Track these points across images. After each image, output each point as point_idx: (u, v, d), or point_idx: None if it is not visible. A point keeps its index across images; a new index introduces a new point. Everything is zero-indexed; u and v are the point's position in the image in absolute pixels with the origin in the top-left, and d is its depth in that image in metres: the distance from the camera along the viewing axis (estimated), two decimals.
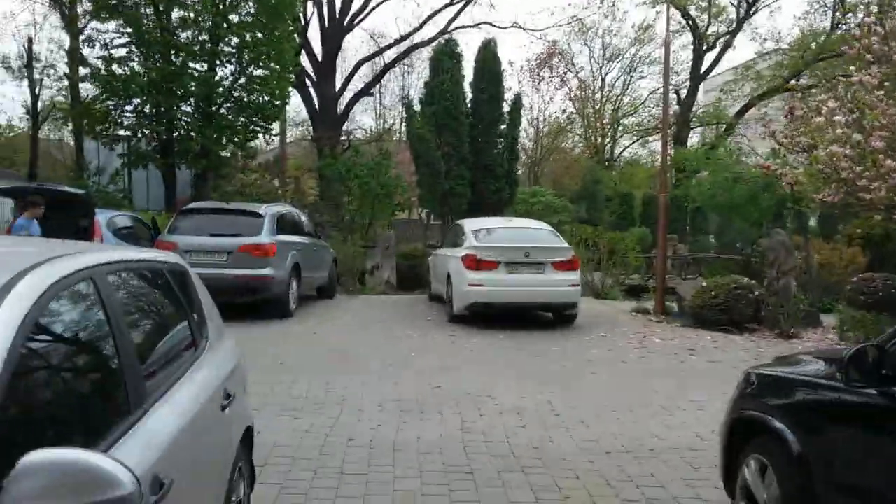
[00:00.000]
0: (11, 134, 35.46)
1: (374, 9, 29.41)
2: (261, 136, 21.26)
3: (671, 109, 38.15)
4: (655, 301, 13.26)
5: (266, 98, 20.14)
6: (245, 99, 19.98)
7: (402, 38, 30.08)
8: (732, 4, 31.18)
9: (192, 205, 12.72)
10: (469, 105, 17.83)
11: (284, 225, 12.11)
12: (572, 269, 11.27)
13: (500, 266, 10.98)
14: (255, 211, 11.66)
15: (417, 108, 18.00)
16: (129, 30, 18.63)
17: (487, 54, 17.95)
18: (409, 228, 31.71)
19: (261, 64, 19.96)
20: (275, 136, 21.52)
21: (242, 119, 20.21)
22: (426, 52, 26.26)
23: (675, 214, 30.94)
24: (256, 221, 11.40)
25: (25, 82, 23.59)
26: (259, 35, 19.61)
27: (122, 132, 19.75)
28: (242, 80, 20.01)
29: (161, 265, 3.18)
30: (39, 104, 24.22)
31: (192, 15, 18.98)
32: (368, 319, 11.96)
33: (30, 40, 23.59)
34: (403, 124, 31.64)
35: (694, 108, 34.26)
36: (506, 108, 18.09)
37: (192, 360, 3.09)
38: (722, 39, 32.68)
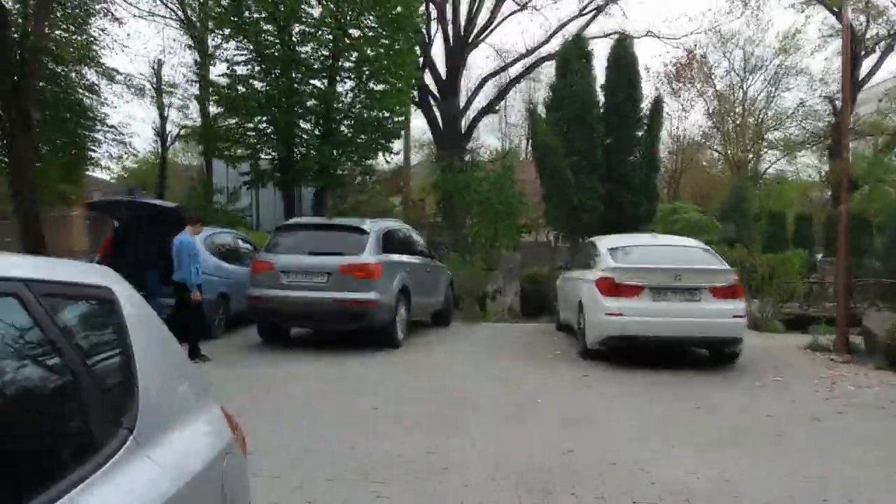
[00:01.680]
0: (155, 160, 36.43)
1: (499, 23, 28.04)
2: (381, 154, 20.05)
3: (825, 121, 34.44)
4: (837, 336, 10.70)
5: (386, 114, 19.04)
6: (365, 115, 18.89)
7: (529, 52, 28.47)
8: (894, 4, 27.50)
9: (291, 220, 11.46)
10: (601, 109, 15.77)
11: (393, 243, 10.58)
12: (735, 296, 9.05)
13: (645, 291, 8.93)
14: (360, 227, 10.16)
15: (543, 114, 16.07)
16: (251, 46, 18.00)
17: (622, 51, 15.77)
18: (535, 251, 29.83)
19: (381, 79, 18.87)
20: (395, 154, 20.28)
21: (363, 137, 19.13)
22: (553, 66, 24.48)
23: (832, 234, 27.44)
24: (360, 239, 9.90)
25: (155, 104, 23.64)
26: (380, 49, 18.56)
27: (242, 151, 19.10)
28: (362, 96, 18.98)
29: (22, 287, 1.53)
30: (168, 125, 24.27)
31: (311, 30, 18.10)
32: (486, 352, 10.18)
33: (159, 63, 23.67)
34: (528, 143, 29.93)
35: (851, 119, 30.49)
36: (643, 111, 15.91)
37: (75, 480, 1.43)
38: (882, 43, 29.03)
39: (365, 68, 18.67)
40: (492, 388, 7.78)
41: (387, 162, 20.42)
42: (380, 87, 18.85)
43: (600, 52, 17.16)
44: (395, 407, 6.80)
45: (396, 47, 18.59)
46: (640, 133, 15.90)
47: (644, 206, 15.68)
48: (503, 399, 7.20)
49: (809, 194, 36.17)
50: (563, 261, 13.71)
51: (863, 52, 28.62)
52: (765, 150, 39.71)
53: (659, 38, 28.14)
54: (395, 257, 10.41)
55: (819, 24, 36.14)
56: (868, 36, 28.21)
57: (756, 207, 29.44)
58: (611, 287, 9.04)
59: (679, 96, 33.72)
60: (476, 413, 6.65)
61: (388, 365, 9.01)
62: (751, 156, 39.97)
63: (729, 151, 39.78)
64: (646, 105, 16.34)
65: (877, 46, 28.78)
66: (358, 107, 18.98)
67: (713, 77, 37.04)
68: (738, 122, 39.55)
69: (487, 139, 46.06)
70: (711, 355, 9.75)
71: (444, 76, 27.57)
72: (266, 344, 10.34)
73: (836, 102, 31.69)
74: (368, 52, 18.50)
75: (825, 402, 7.45)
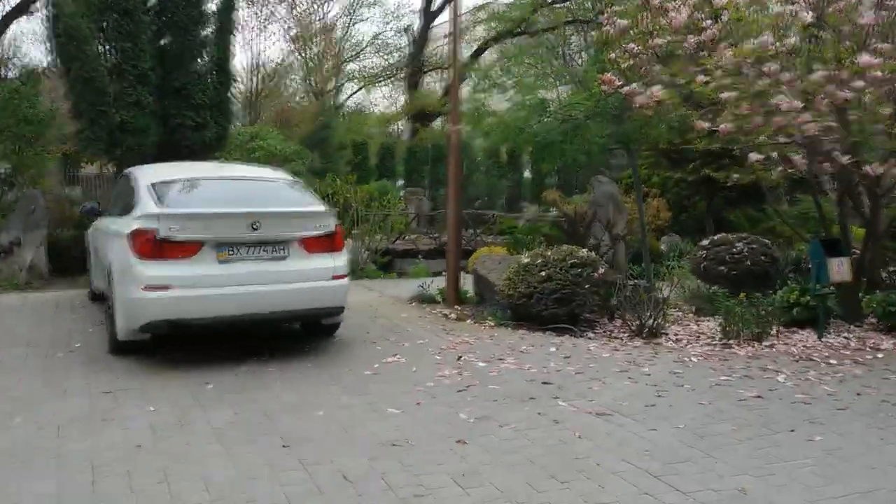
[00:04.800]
0: None
1: None
2: None
3: (401, 53, 34.21)
4: (448, 286, 8.82)
5: None
6: None
7: None
8: None
9: None
10: None
11: None
12: (335, 248, 6.34)
13: (205, 249, 5.73)
14: None
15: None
16: None
17: None
18: (100, 185, 24.34)
19: None
20: None
21: None
22: None
23: (415, 165, 27.15)
24: None
25: None
26: None
27: None
28: None
29: None
30: None
31: None
32: None
33: None
34: None
35: (427, 51, 30.50)
36: (211, 6, 12.16)
37: None
38: None
39: None
40: None
41: None
42: None
43: None
44: None
45: None
46: (206, 33, 12.16)
47: (212, 130, 12.11)
48: None
49: (388, 125, 36.14)
50: (87, 203, 9.67)
51: None
52: (344, 80, 38.68)
53: None
54: None
55: None
56: None
57: (341, 137, 27.96)
58: (152, 245, 5.65)
59: (254, 4, 30.20)
60: None
61: None
62: (332, 85, 38.66)
63: (311, 80, 37.92)
64: None
65: None
66: None
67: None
68: (318, 51, 37.77)
69: (34, 52, 37.30)
70: (304, 327, 7.06)
71: None
72: None
73: (413, 34, 31.48)
74: None
75: (459, 397, 5.16)
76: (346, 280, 6.38)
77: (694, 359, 6.31)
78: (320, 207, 6.49)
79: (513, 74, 10.19)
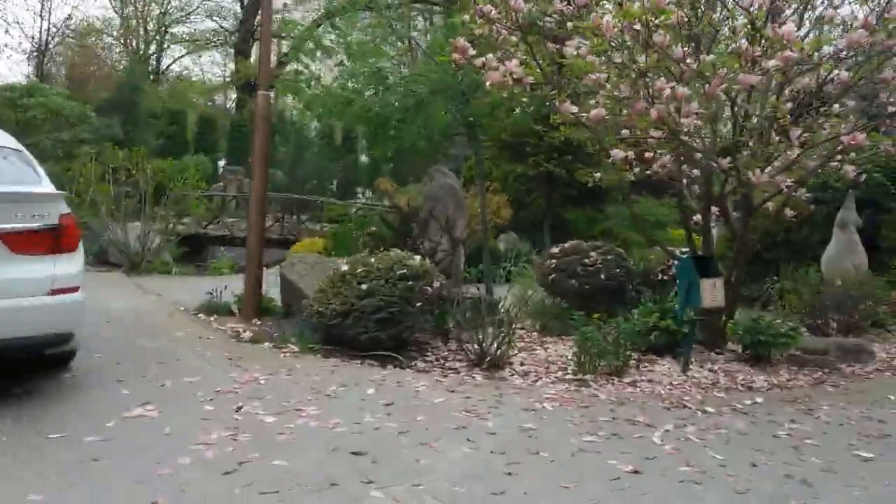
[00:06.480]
0: None
1: None
2: None
3: (232, 19, 31.22)
4: (246, 291, 6.90)
5: None
6: None
7: None
8: None
9: None
10: None
11: None
12: (62, 249, 4.29)
13: None
14: None
15: None
16: None
17: None
18: None
19: None
20: None
21: None
22: None
23: (240, 141, 24.53)
24: None
25: None
26: None
27: None
28: None
29: None
30: None
31: None
32: None
33: None
34: None
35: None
36: None
37: None
38: None
39: None
40: None
41: None
42: None
43: None
44: None
45: None
46: None
47: None
48: None
49: (214, 95, 32.98)
50: None
51: None
52: (168, 44, 34.91)
53: None
54: None
55: None
56: None
57: (158, 105, 24.78)
58: None
59: None
60: None
61: None
62: (153, 49, 34.77)
63: (129, 40, 33.88)
64: None
65: None
66: None
67: None
68: (140, 9, 33.80)
69: None
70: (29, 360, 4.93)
71: None
72: None
73: None
74: None
75: (223, 487, 3.37)
76: (76, 295, 4.34)
77: (548, 405, 4.91)
78: (39, 188, 4.37)
79: (343, 34, 8.42)
